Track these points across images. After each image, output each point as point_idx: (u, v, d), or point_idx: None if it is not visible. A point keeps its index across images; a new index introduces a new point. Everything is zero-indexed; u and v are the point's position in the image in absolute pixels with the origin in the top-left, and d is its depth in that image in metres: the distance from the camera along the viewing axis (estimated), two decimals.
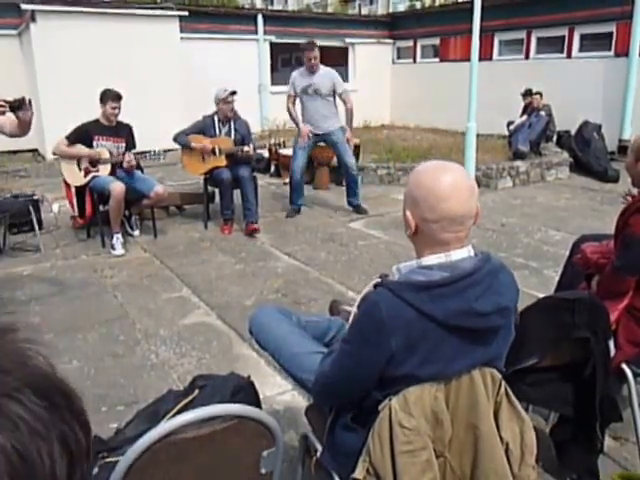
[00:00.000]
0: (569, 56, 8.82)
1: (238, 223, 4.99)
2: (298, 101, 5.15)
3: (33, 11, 7.35)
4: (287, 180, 5.76)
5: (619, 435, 2.09)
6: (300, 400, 2.33)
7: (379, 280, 1.27)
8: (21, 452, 0.28)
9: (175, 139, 4.72)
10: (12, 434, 0.28)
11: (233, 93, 4.67)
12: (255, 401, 1.41)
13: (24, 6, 7.44)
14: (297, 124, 5.10)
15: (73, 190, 4.54)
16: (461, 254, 1.22)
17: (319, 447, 1.46)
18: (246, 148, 4.69)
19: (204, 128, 4.72)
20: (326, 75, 5.04)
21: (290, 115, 5.15)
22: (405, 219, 1.24)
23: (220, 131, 4.76)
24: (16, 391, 0.29)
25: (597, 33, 8.42)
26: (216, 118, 4.75)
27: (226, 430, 1.13)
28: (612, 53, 8.24)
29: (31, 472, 0.29)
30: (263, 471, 1.22)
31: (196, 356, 2.76)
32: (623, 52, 8.03)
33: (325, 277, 3.82)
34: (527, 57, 9.44)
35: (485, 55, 9.13)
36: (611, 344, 1.77)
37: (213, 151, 4.67)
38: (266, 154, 6.83)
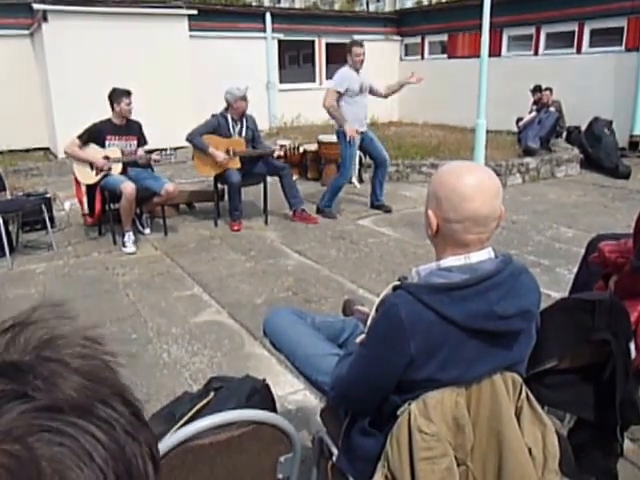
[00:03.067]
0: (579, 51, 8.72)
1: (247, 220, 4.99)
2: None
3: (45, 11, 7.37)
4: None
5: (638, 438, 2.06)
6: (312, 400, 2.31)
7: (398, 283, 1.25)
8: (120, 451, 0.30)
9: (190, 140, 4.68)
10: (111, 435, 0.30)
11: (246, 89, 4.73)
12: (271, 404, 1.40)
13: (36, 6, 7.46)
14: (342, 123, 4.88)
15: (83, 188, 4.55)
16: (482, 256, 1.20)
17: (334, 450, 1.45)
18: (275, 148, 4.87)
19: (218, 127, 4.70)
20: (364, 73, 5.09)
21: (332, 112, 4.89)
22: (427, 219, 1.21)
23: (234, 130, 4.75)
24: (108, 397, 0.31)
25: (608, 28, 8.31)
26: (229, 116, 4.73)
27: (243, 435, 1.12)
28: (623, 48, 8.13)
29: (129, 470, 0.30)
30: (280, 476, 1.21)
31: (208, 355, 2.76)
32: (634, 47, 7.93)
33: (336, 275, 3.80)
34: (536, 53, 9.34)
35: (494, 51, 9.03)
36: (632, 346, 1.74)
37: (227, 152, 4.67)
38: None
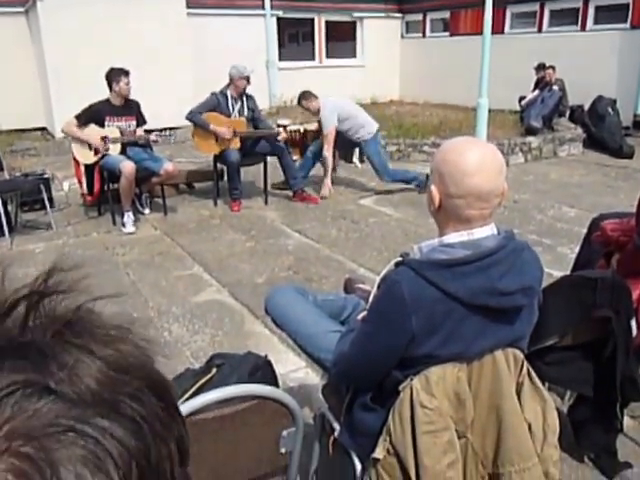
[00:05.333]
0: (583, 29, 8.57)
1: (247, 200, 4.97)
2: None
3: None
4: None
5: (638, 415, 2.07)
6: (314, 377, 2.33)
7: (400, 259, 1.24)
8: (146, 454, 0.27)
9: (190, 119, 4.63)
10: (137, 435, 0.27)
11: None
12: (273, 380, 1.40)
13: None
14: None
15: (82, 168, 4.52)
16: (484, 232, 1.19)
17: (336, 426, 1.46)
18: (279, 130, 4.84)
19: (218, 105, 4.65)
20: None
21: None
22: (429, 194, 1.20)
23: (234, 108, 4.70)
24: (137, 391, 0.29)
25: (613, 4, 8.15)
26: (229, 94, 4.68)
27: (246, 410, 1.12)
28: (628, 25, 7.98)
29: (155, 474, 0.28)
30: (283, 450, 1.22)
31: (209, 333, 2.77)
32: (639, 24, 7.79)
33: (336, 254, 3.80)
34: (540, 30, 9.18)
35: (497, 29, 8.85)
36: (633, 323, 1.74)
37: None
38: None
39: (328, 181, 5.11)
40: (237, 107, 4.71)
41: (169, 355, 2.57)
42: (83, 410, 0.26)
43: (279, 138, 4.78)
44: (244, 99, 4.75)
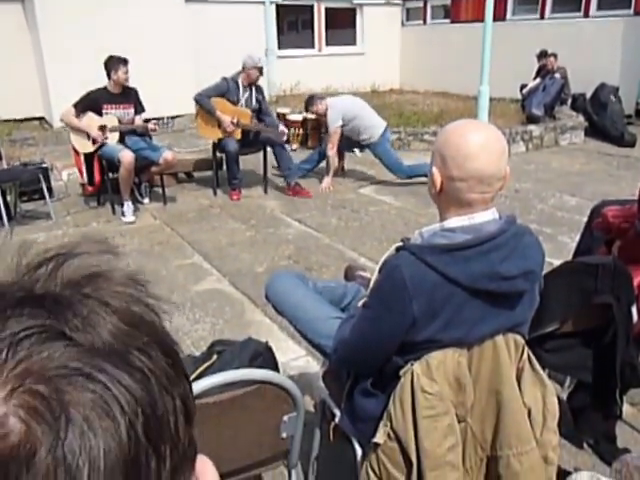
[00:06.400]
0: (586, 15, 8.48)
1: (246, 189, 4.96)
2: None
3: None
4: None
5: (637, 401, 2.08)
6: (314, 365, 2.33)
7: (401, 244, 1.23)
8: (152, 404, 0.28)
9: (198, 101, 4.62)
10: (144, 386, 0.28)
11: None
12: (274, 366, 1.40)
13: None
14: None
15: (82, 157, 4.49)
16: (485, 216, 1.18)
17: (337, 412, 1.46)
18: (284, 131, 4.83)
19: (227, 91, 4.63)
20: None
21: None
22: (431, 177, 1.19)
23: (242, 96, 4.68)
24: (146, 345, 0.30)
25: None
26: (240, 82, 4.66)
27: (247, 395, 1.12)
28: (632, 11, 7.90)
29: (160, 425, 0.29)
30: (284, 435, 1.22)
31: (210, 322, 2.77)
32: None
33: (336, 243, 3.79)
34: (542, 17, 9.09)
35: (498, 15, 8.77)
36: (634, 310, 1.74)
37: (232, 123, 4.61)
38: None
39: (329, 179, 5.06)
40: (245, 96, 4.69)
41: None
42: (95, 357, 0.27)
43: (283, 139, 4.78)
44: (253, 89, 4.74)
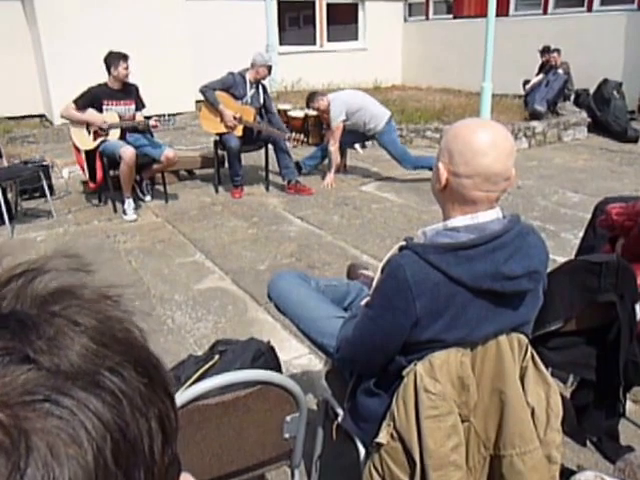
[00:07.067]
0: (589, 10, 8.42)
1: (248, 186, 4.95)
2: None
3: None
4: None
5: None
6: (317, 364, 2.33)
7: (404, 243, 1.23)
8: (123, 428, 0.27)
9: (203, 92, 4.60)
10: (115, 409, 0.27)
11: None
12: (276, 366, 1.40)
13: None
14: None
15: (83, 155, 4.48)
16: (489, 216, 1.17)
17: (339, 411, 1.46)
18: (287, 134, 4.81)
19: (233, 86, 4.62)
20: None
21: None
22: (436, 172, 1.18)
23: (248, 92, 4.67)
24: (118, 365, 0.28)
25: None
26: (247, 78, 4.65)
27: (249, 396, 1.12)
28: (635, 6, 7.84)
29: (131, 449, 0.27)
30: (287, 436, 1.22)
31: (212, 320, 2.77)
32: None
33: (339, 241, 3.79)
34: (545, 12, 9.03)
35: (501, 11, 8.71)
36: (638, 308, 1.73)
37: (234, 119, 4.60)
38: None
39: (332, 175, 5.04)
40: (251, 93, 4.68)
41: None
42: (61, 381, 0.26)
43: (286, 138, 4.75)
44: (260, 87, 4.74)
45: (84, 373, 0.27)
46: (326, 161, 5.20)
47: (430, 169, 5.08)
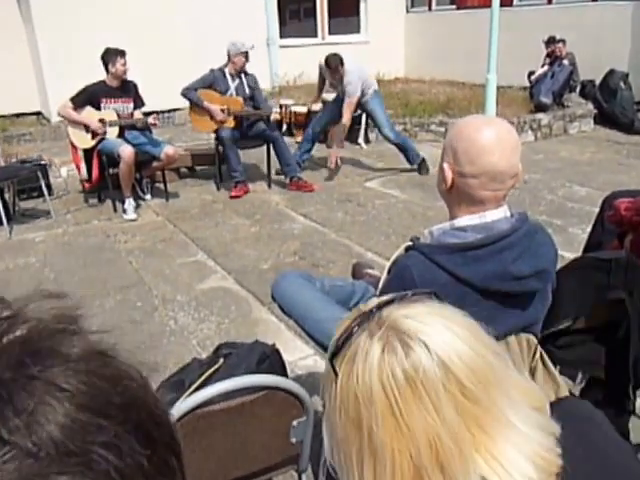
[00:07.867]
0: None
1: (250, 184, 4.91)
2: None
3: None
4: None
5: None
6: (322, 364, 2.30)
7: (410, 243, 1.20)
8: None
9: (185, 95, 4.57)
10: None
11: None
12: (281, 369, 1.38)
13: None
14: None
15: (80, 153, 4.45)
16: (497, 215, 1.15)
17: None
18: (274, 110, 4.81)
19: (214, 82, 4.58)
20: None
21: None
22: (441, 173, 1.16)
23: (231, 85, 4.62)
24: (115, 437, 0.24)
25: None
26: (227, 71, 4.60)
27: (255, 401, 1.10)
28: None
29: None
30: (293, 440, 1.20)
31: (215, 321, 2.75)
32: None
33: (343, 238, 3.76)
34: (550, 2, 8.93)
35: (505, 1, 8.62)
36: None
37: (222, 111, 4.55)
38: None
39: (337, 151, 4.95)
40: (234, 85, 4.62)
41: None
42: (42, 467, 0.22)
43: (272, 118, 4.74)
44: (242, 77, 4.66)
45: (71, 452, 0.23)
46: (323, 154, 5.17)
47: (404, 151, 5.06)
